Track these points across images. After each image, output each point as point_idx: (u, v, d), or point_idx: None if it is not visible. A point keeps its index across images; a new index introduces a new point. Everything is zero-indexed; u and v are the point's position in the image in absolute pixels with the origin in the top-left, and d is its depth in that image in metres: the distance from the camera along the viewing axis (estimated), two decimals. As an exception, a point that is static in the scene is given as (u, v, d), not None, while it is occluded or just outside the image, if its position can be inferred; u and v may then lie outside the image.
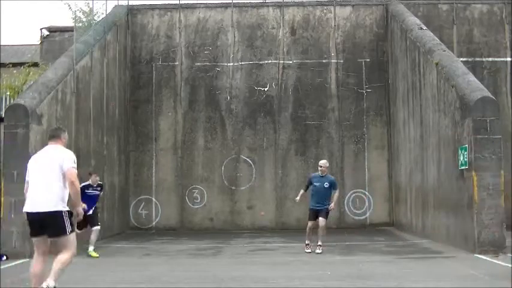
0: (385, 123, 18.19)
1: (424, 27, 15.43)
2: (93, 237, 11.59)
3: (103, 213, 15.47)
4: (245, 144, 18.22)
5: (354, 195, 17.78)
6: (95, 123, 14.91)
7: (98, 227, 11.75)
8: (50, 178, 6.26)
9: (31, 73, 20.12)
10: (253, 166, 18.01)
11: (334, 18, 18.66)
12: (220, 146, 18.29)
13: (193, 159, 18.24)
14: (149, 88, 18.54)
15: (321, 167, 11.64)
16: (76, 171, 6.37)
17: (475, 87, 11.57)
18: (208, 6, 19.02)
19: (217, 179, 18.13)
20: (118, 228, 16.68)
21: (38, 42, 22.42)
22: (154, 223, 17.92)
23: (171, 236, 15.87)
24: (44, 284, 6.04)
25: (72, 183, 6.25)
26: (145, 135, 18.38)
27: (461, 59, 15.46)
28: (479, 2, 18.28)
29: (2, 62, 21.82)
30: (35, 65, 20.83)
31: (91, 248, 11.49)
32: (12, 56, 23.55)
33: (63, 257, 6.26)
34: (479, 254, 10.58)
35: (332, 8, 18.70)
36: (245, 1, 19.09)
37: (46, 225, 6.19)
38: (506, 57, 17.99)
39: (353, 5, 18.80)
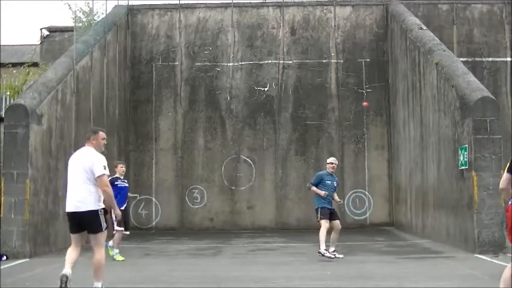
0: (385, 123, 18.19)
1: (424, 27, 15.42)
2: (118, 239, 10.81)
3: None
4: (245, 144, 18.22)
5: (354, 195, 17.78)
6: (95, 123, 14.90)
7: (122, 229, 10.80)
8: (84, 181, 6.70)
9: (31, 73, 20.09)
10: (253, 166, 18.00)
11: (334, 18, 18.66)
12: (220, 146, 18.29)
13: (193, 159, 18.24)
14: (149, 88, 18.54)
15: (331, 163, 10.87)
16: (106, 176, 6.77)
17: (475, 87, 11.57)
18: (208, 6, 19.02)
19: (217, 179, 18.13)
20: (118, 228, 16.66)
21: (38, 42, 22.39)
22: (154, 223, 17.92)
23: (171, 236, 15.87)
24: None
25: (104, 191, 6.72)
26: (145, 135, 18.38)
27: (461, 59, 15.45)
28: (479, 2, 18.28)
29: (2, 62, 21.79)
30: (35, 65, 20.79)
31: (116, 251, 10.73)
32: (12, 56, 23.53)
33: (98, 257, 6.93)
34: (479, 254, 10.58)
35: (332, 8, 18.70)
36: (245, 1, 19.09)
37: (85, 223, 6.76)
38: (506, 57, 17.99)
39: (353, 5, 18.80)
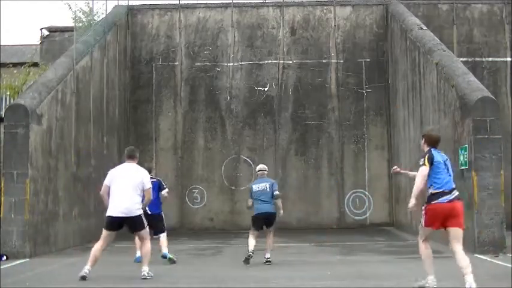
0: (385, 123, 18.19)
1: (424, 27, 15.42)
2: (164, 240, 10.73)
3: (103, 213, 15.49)
4: (245, 144, 18.22)
5: (354, 195, 17.78)
6: (95, 123, 14.91)
7: (161, 235, 10.70)
8: (133, 192, 8.31)
9: (31, 73, 20.10)
10: (253, 166, 17.97)
11: (334, 18, 18.66)
12: (220, 146, 18.29)
13: (193, 159, 18.24)
14: (149, 88, 18.54)
15: (259, 171, 10.72)
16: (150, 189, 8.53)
17: (475, 87, 11.57)
18: (208, 6, 19.03)
19: (217, 179, 18.13)
20: (118, 228, 16.66)
21: (38, 42, 22.40)
22: (154, 223, 17.89)
23: (171, 236, 15.78)
24: (144, 272, 8.42)
25: (148, 199, 8.58)
26: (145, 135, 18.38)
27: (461, 59, 15.44)
28: (479, 2, 18.28)
29: (2, 62, 21.78)
30: (35, 65, 20.80)
31: (166, 250, 10.67)
32: (12, 56, 23.53)
33: (145, 247, 8.55)
34: (479, 254, 10.57)
35: (332, 8, 18.71)
36: (245, 1, 19.09)
37: (131, 225, 8.44)
38: (506, 57, 17.99)
39: (353, 5, 18.80)
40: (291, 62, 18.59)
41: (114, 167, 8.61)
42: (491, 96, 11.46)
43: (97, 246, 8.41)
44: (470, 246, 10.94)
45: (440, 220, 7.01)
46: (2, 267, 9.73)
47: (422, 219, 7.15)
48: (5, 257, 10.71)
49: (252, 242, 10.09)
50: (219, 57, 18.66)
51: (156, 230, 10.43)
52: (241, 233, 16.50)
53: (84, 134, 14.17)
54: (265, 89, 18.49)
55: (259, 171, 10.70)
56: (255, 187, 10.34)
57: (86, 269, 8.28)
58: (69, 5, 32.07)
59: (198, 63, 18.64)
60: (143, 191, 8.39)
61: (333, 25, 18.68)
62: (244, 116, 18.39)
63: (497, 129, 11.03)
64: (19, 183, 11.07)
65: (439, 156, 6.97)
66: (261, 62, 18.63)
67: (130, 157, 8.66)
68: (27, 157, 11.17)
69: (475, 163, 10.90)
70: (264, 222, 10.23)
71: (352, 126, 18.23)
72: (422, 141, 7.24)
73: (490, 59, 17.99)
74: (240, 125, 18.37)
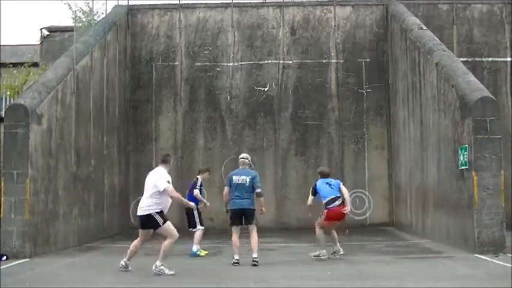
0: (385, 123, 18.19)
1: (424, 27, 15.42)
2: (198, 236, 11.42)
3: (103, 213, 15.50)
4: (245, 144, 18.21)
5: (354, 195, 17.75)
6: (95, 123, 14.91)
7: (195, 229, 11.52)
8: (148, 193, 9.05)
9: (31, 73, 20.10)
10: (253, 166, 17.96)
11: (334, 18, 18.65)
12: (220, 146, 18.28)
13: (193, 159, 18.23)
14: (149, 88, 18.54)
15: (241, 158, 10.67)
16: (170, 187, 8.97)
17: (475, 87, 11.57)
18: (208, 6, 19.02)
19: (217, 179, 18.10)
20: (118, 228, 16.69)
21: (38, 42, 22.40)
22: (154, 223, 17.89)
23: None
24: (153, 266, 8.95)
25: (174, 199, 9.17)
26: (145, 135, 18.38)
27: (461, 59, 15.44)
28: (479, 2, 18.27)
29: (2, 62, 21.80)
30: (35, 65, 20.80)
31: (196, 248, 11.36)
32: (12, 56, 23.52)
33: (165, 243, 8.99)
34: (479, 254, 10.58)
35: (332, 8, 18.70)
36: (245, 1, 19.08)
37: (142, 222, 9.08)
38: (506, 57, 17.98)
39: (353, 5, 18.79)
40: (291, 62, 18.59)
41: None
42: (491, 96, 11.46)
43: (134, 242, 9.26)
44: (470, 246, 10.96)
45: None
46: (2, 267, 9.74)
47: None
48: (5, 257, 10.71)
49: (236, 243, 9.92)
50: (219, 57, 18.66)
51: (189, 224, 11.64)
52: (241, 233, 16.48)
53: (84, 134, 14.17)
54: (265, 89, 18.48)
55: (240, 158, 10.46)
56: (235, 178, 10.02)
57: (122, 261, 9.24)
58: (69, 5, 32.03)
59: (198, 63, 18.64)
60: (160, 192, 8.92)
61: (333, 25, 18.68)
62: (244, 116, 18.38)
63: (497, 129, 11.03)
64: (19, 183, 11.07)
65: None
66: (261, 62, 18.62)
67: (161, 161, 9.43)
68: (27, 157, 11.17)
69: (475, 163, 10.90)
70: (241, 218, 9.97)
71: (352, 126, 18.23)
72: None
73: (490, 59, 17.98)
74: (240, 125, 18.36)
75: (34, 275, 9.18)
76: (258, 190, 10.01)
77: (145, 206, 8.98)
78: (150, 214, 8.90)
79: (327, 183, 10.71)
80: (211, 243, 13.88)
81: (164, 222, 8.95)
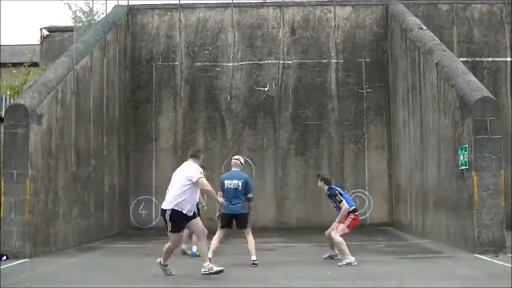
0: (385, 123, 18.19)
1: (424, 27, 15.42)
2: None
3: (103, 213, 15.50)
4: (245, 144, 18.21)
5: (354, 195, 17.74)
6: (95, 123, 14.91)
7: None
8: (175, 187, 8.62)
9: (31, 73, 20.10)
10: (253, 166, 18.00)
11: (334, 18, 18.65)
12: (220, 146, 18.28)
13: (193, 159, 18.20)
14: (149, 88, 18.54)
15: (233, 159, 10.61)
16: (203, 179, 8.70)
17: (475, 87, 11.57)
18: (208, 6, 19.02)
19: (217, 179, 17.96)
20: (118, 228, 16.69)
21: (38, 42, 22.39)
22: (154, 223, 17.91)
23: (171, 236, 15.83)
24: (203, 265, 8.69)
25: (205, 191, 9.01)
26: (145, 135, 18.38)
27: (461, 59, 15.43)
28: (479, 2, 18.27)
29: (2, 62, 21.79)
30: (35, 65, 20.80)
31: (196, 248, 11.15)
32: (12, 56, 23.52)
33: (199, 244, 9.04)
34: (479, 254, 10.58)
35: (332, 8, 18.70)
36: (245, 1, 19.08)
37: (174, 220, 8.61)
38: (506, 57, 17.98)
39: (353, 5, 18.79)
40: (291, 62, 18.59)
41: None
42: (491, 96, 11.46)
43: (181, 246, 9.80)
44: (470, 246, 10.96)
45: None
46: (2, 267, 9.74)
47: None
48: (5, 257, 10.71)
49: (214, 244, 9.81)
50: (219, 57, 18.66)
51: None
52: (241, 233, 16.49)
53: (84, 134, 14.16)
54: (265, 89, 18.48)
55: (232, 159, 10.42)
56: (227, 182, 9.96)
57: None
58: (69, 5, 32.04)
59: (198, 63, 18.64)
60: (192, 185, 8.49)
61: (333, 25, 18.68)
62: (244, 116, 18.38)
63: (497, 129, 11.03)
64: (19, 183, 11.07)
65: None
66: (261, 62, 18.62)
67: (191, 156, 9.02)
68: (27, 157, 11.16)
69: (475, 163, 10.90)
70: (230, 222, 9.92)
71: (352, 126, 18.23)
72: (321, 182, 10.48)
73: (490, 59, 17.98)
74: (240, 125, 18.36)
75: (34, 275, 9.18)
76: (250, 195, 9.99)
77: (169, 199, 8.48)
78: (171, 210, 8.40)
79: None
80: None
81: (194, 217, 8.66)
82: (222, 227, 10.04)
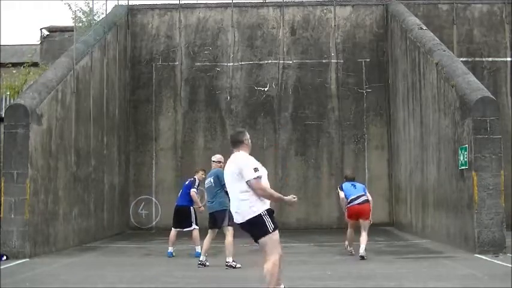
0: (385, 123, 18.19)
1: (424, 27, 15.41)
2: (197, 236, 11.34)
3: (103, 213, 15.50)
4: (245, 144, 18.17)
5: (354, 195, 17.74)
6: (95, 123, 14.91)
7: (190, 228, 11.41)
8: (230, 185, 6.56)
9: (31, 73, 20.10)
10: (253, 166, 17.96)
11: (334, 18, 18.65)
12: (220, 146, 18.24)
13: (193, 159, 18.22)
14: (149, 88, 18.54)
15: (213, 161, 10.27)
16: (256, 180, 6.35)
17: (475, 87, 11.57)
18: (208, 6, 19.02)
19: (217, 179, 18.09)
20: (118, 228, 16.69)
21: (38, 42, 22.40)
22: (154, 223, 17.92)
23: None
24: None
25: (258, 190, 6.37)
26: (145, 135, 18.37)
27: (461, 59, 15.44)
28: (479, 2, 18.26)
29: (2, 62, 21.79)
30: (35, 65, 20.81)
31: (199, 248, 11.24)
32: (12, 56, 23.53)
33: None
34: (479, 254, 10.58)
35: (332, 8, 18.70)
36: (245, 1, 19.08)
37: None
38: (506, 57, 17.98)
39: (353, 5, 18.79)
40: (291, 62, 18.59)
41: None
42: (491, 96, 11.46)
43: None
44: (471, 246, 10.96)
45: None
46: (2, 267, 9.74)
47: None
48: (5, 257, 10.71)
49: (205, 244, 9.83)
50: (219, 57, 18.65)
51: (181, 224, 11.47)
52: (239, 234, 16.51)
53: (84, 134, 14.17)
54: (265, 89, 18.48)
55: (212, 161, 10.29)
56: (206, 182, 10.08)
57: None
58: (69, 5, 32.12)
59: (198, 63, 18.64)
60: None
61: (333, 25, 18.67)
62: (244, 116, 18.38)
63: (497, 129, 11.03)
64: (19, 183, 11.07)
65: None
66: (261, 62, 18.62)
67: (234, 143, 6.83)
68: (27, 157, 11.16)
69: (475, 163, 10.90)
70: (213, 221, 9.85)
71: (352, 126, 18.23)
72: None
73: (490, 59, 17.98)
74: (240, 125, 18.33)
75: (34, 275, 9.18)
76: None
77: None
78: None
79: (352, 184, 11.27)
80: (212, 243, 13.86)
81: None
82: (209, 227, 10.05)
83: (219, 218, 9.79)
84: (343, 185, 11.24)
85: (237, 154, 6.59)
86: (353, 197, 10.98)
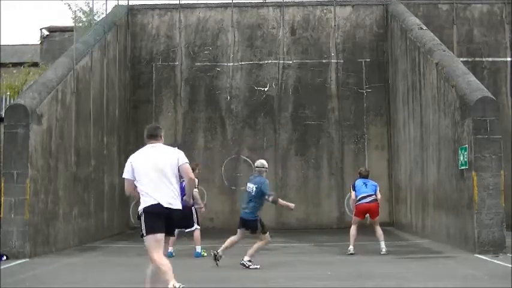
0: (385, 123, 18.19)
1: (424, 27, 15.42)
2: (198, 237, 11.41)
3: (103, 213, 15.50)
4: (245, 144, 18.21)
5: (353, 195, 17.75)
6: (95, 123, 14.91)
7: (192, 229, 11.35)
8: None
9: (31, 73, 20.10)
10: (253, 166, 17.94)
11: (334, 18, 18.65)
12: (220, 146, 18.28)
13: (193, 159, 18.19)
14: (149, 88, 18.53)
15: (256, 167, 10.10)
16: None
17: (475, 87, 11.57)
18: (208, 6, 19.02)
19: (217, 179, 18.12)
20: (118, 228, 16.69)
21: (38, 42, 22.40)
22: (154, 223, 17.89)
23: (171, 236, 15.84)
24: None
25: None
26: (145, 135, 18.34)
27: (461, 59, 15.43)
28: (479, 2, 18.26)
29: (2, 62, 21.79)
30: (35, 65, 20.81)
31: (200, 248, 11.39)
32: (12, 56, 23.51)
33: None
34: (479, 254, 10.58)
35: (332, 8, 18.70)
36: (245, 1, 19.08)
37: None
38: (506, 57, 17.98)
39: (353, 5, 18.79)
40: (291, 62, 18.59)
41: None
42: (491, 96, 11.45)
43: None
44: (471, 246, 10.95)
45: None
46: (2, 267, 9.74)
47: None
48: (5, 257, 10.71)
49: (228, 241, 9.83)
50: (219, 57, 18.65)
51: (181, 225, 10.83)
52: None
53: (84, 134, 14.17)
54: (265, 89, 18.48)
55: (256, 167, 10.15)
56: (248, 185, 9.85)
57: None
58: (69, 5, 32.14)
59: (198, 63, 18.64)
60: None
61: (333, 25, 18.67)
62: (244, 116, 18.38)
63: (497, 129, 11.03)
64: (19, 183, 11.07)
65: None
66: (261, 62, 18.62)
67: (153, 136, 7.00)
68: (27, 157, 11.17)
69: (475, 163, 10.90)
70: (243, 225, 9.78)
71: (352, 126, 18.23)
72: None
73: (490, 59, 17.98)
74: (240, 125, 18.36)
75: (34, 275, 9.18)
76: (270, 198, 9.63)
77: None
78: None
79: (364, 183, 11.71)
80: (212, 243, 13.87)
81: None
82: (238, 227, 9.93)
83: (251, 226, 9.73)
84: (356, 183, 11.68)
85: (162, 145, 6.81)
86: (362, 195, 11.40)
